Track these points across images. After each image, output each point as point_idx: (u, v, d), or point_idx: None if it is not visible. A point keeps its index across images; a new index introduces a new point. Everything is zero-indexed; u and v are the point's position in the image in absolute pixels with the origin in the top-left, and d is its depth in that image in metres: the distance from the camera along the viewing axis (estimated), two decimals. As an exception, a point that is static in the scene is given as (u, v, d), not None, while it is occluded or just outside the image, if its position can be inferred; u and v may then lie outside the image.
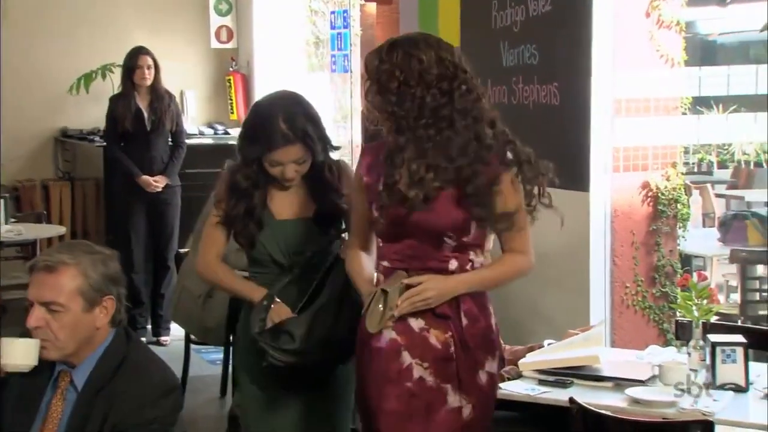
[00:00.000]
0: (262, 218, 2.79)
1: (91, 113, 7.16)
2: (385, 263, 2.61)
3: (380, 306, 2.51)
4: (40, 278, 2.33)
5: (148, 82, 5.96)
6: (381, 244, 2.64)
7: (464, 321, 2.56)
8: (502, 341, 2.72)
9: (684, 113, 4.38)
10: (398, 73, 2.49)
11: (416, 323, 2.55)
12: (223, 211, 2.79)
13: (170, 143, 6.08)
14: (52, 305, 2.31)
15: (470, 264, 2.57)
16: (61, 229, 6.38)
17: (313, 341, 2.67)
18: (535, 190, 2.57)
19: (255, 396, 2.85)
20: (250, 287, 2.81)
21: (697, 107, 5.92)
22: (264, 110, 2.78)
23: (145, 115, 5.96)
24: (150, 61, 5.96)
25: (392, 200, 2.52)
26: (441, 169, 2.49)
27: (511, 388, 3.21)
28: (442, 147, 2.49)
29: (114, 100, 6.06)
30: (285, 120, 2.71)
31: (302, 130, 2.73)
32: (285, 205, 2.83)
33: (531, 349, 3.49)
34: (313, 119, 2.78)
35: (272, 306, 2.72)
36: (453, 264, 2.55)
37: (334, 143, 2.91)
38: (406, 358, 2.55)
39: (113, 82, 6.79)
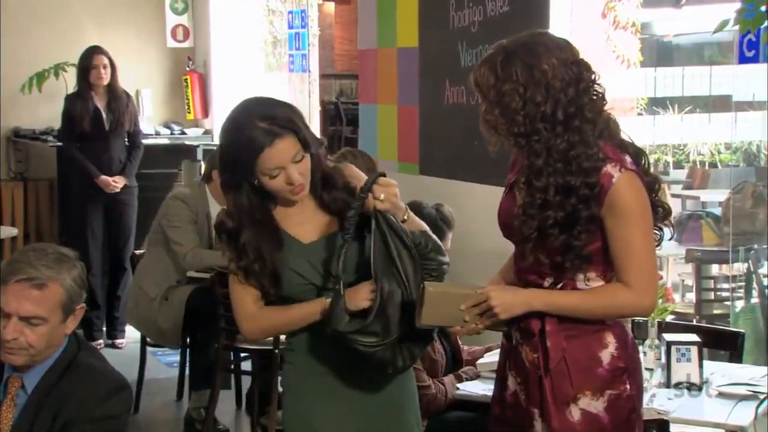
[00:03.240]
0: (288, 245, 2.43)
1: (44, 113, 7.05)
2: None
3: (420, 301, 2.23)
4: (24, 292, 2.25)
5: (105, 82, 5.89)
6: None
7: (548, 342, 2.28)
8: (628, 384, 2.30)
9: (640, 114, 4.42)
10: (522, 91, 2.22)
11: (515, 335, 2.37)
12: (241, 270, 2.43)
13: (127, 143, 6.02)
14: (34, 319, 2.26)
15: (570, 286, 2.28)
16: (14, 231, 6.28)
17: (389, 316, 2.30)
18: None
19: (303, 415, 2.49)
20: (308, 306, 2.41)
21: (653, 108, 5.96)
22: (233, 123, 2.40)
23: (104, 115, 5.89)
24: (106, 61, 5.89)
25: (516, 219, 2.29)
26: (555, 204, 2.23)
27: (469, 389, 3.22)
28: (572, 168, 2.22)
29: (71, 100, 5.97)
30: (262, 118, 2.36)
31: (284, 119, 2.36)
32: (306, 227, 2.48)
33: (489, 350, 3.50)
34: (289, 106, 2.43)
35: (342, 292, 2.32)
36: (548, 282, 2.30)
37: None
38: (507, 367, 2.41)
39: (66, 82, 6.69)
